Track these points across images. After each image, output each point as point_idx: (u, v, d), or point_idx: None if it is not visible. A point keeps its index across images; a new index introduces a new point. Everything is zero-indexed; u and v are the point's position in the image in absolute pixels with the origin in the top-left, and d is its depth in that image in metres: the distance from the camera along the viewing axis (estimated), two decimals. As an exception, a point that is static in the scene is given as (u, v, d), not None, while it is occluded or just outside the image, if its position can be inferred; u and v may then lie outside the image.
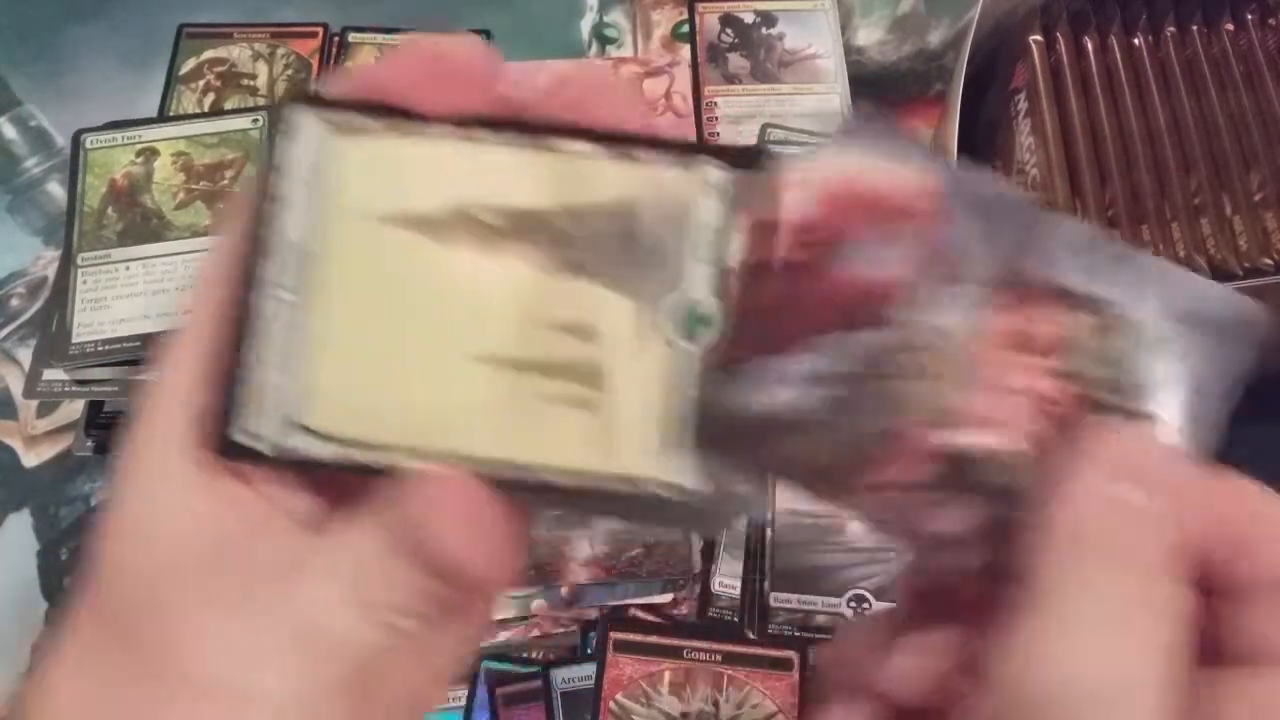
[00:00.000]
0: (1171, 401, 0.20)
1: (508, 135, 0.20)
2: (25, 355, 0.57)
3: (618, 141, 0.20)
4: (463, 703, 0.49)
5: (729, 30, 0.67)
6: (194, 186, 0.49)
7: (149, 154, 0.50)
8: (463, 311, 0.20)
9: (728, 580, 0.51)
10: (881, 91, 0.65)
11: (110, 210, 0.48)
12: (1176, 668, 0.18)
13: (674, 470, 0.20)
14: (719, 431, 0.20)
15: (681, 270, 0.20)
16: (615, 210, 0.20)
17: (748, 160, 0.20)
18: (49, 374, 0.45)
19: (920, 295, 0.19)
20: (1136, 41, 0.50)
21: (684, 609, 0.51)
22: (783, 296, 0.20)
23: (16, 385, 0.57)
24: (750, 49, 0.66)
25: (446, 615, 0.21)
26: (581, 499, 0.20)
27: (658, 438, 0.20)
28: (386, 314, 0.20)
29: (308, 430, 0.20)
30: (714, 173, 0.20)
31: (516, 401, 0.20)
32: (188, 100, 0.62)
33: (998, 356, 0.19)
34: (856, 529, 0.50)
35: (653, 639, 0.49)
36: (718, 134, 0.63)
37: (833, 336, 0.19)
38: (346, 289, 0.20)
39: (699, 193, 0.20)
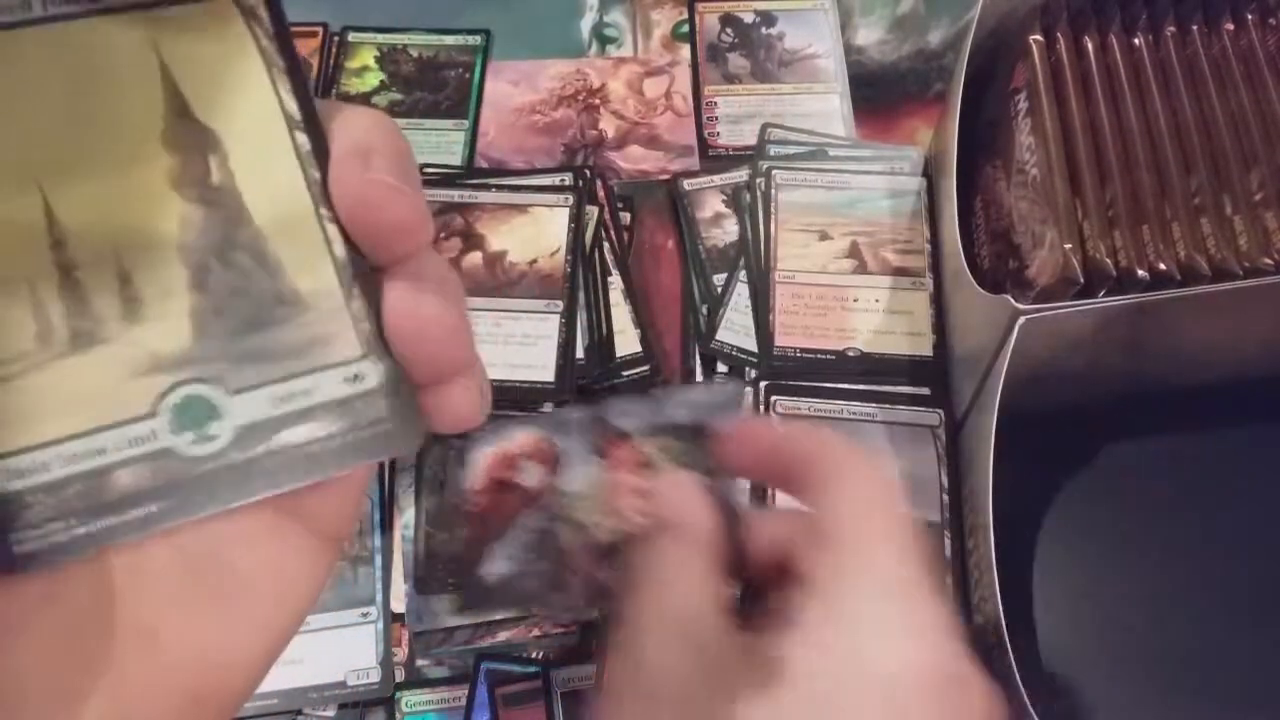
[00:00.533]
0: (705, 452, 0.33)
1: None
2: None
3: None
4: (463, 703, 0.49)
5: (729, 30, 0.67)
6: (193, 186, 0.49)
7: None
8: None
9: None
10: (881, 91, 0.65)
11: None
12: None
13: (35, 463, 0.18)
14: (480, 596, 0.33)
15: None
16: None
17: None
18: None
19: (556, 479, 0.33)
20: (1136, 41, 0.50)
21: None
22: (490, 509, 0.34)
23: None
24: (750, 49, 0.66)
25: None
26: None
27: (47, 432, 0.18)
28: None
29: None
30: (370, 371, 0.19)
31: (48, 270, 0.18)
32: (187, 100, 0.62)
33: (614, 480, 0.33)
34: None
35: (653, 639, 0.49)
36: (718, 134, 0.63)
37: (521, 518, 0.33)
38: None
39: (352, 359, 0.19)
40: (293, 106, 0.19)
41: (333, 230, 0.19)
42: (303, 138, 0.19)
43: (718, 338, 0.56)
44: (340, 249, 0.19)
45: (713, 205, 0.60)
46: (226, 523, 0.20)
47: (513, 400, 0.52)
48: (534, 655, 0.50)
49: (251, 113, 0.19)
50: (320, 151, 0.19)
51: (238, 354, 0.18)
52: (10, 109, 0.17)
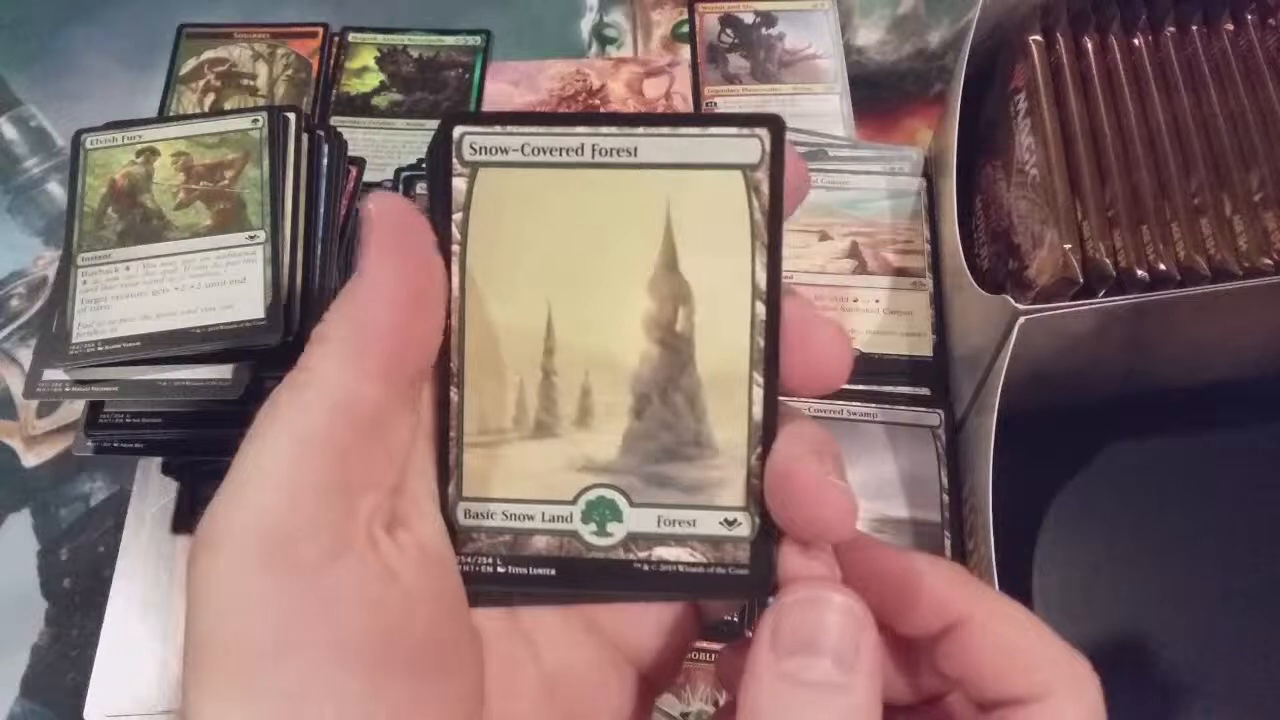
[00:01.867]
0: None
1: None
2: (25, 355, 0.57)
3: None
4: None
5: (729, 30, 0.67)
6: (194, 186, 0.49)
7: (149, 154, 0.50)
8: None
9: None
10: (881, 91, 0.65)
11: (110, 210, 0.48)
12: None
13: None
14: None
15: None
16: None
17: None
18: (49, 374, 0.45)
19: None
20: (1136, 41, 0.50)
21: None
22: None
23: (16, 385, 0.57)
24: (750, 49, 0.66)
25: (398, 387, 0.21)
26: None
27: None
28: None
29: None
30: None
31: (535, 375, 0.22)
32: (188, 100, 0.62)
33: None
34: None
35: (653, 639, 0.49)
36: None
37: None
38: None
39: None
40: (762, 279, 0.22)
41: (757, 394, 0.22)
42: (761, 308, 0.22)
43: (718, 338, 0.56)
44: (758, 411, 0.22)
45: (713, 205, 0.60)
46: (582, 650, 0.23)
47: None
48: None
49: (726, 277, 0.22)
50: (772, 324, 0.22)
51: (648, 475, 0.22)
52: (544, 233, 0.22)
